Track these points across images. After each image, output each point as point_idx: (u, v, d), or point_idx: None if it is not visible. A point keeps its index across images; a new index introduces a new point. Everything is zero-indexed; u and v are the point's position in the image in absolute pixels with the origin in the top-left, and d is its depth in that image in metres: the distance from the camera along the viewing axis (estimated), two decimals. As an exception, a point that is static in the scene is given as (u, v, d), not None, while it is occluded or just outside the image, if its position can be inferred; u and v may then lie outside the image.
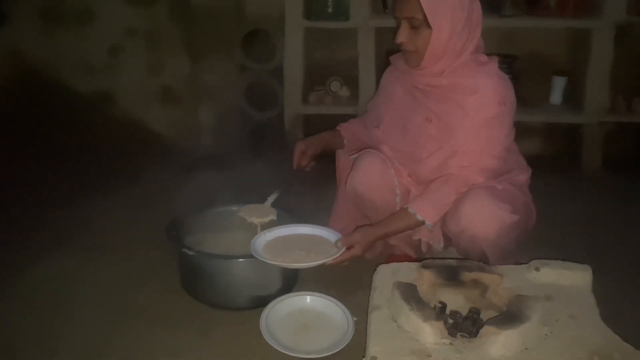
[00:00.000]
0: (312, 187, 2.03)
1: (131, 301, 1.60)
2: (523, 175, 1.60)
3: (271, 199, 1.70)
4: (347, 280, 1.62)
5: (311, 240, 1.52)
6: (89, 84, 3.04)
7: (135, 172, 2.53)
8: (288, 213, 1.69)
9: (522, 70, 2.53)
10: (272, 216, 1.67)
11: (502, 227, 1.40)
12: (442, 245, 1.61)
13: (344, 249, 1.42)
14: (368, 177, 1.58)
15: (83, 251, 1.87)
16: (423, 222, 1.48)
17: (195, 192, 2.15)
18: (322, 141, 1.73)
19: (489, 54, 1.53)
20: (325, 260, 1.39)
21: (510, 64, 2.49)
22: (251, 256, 1.41)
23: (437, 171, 1.52)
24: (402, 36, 1.45)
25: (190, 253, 1.48)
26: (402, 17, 1.43)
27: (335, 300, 1.47)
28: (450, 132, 1.49)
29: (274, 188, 1.72)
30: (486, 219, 1.40)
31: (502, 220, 1.40)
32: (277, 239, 1.53)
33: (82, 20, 2.93)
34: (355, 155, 1.66)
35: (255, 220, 1.63)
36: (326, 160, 1.78)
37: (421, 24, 1.41)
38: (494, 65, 1.51)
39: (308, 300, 1.49)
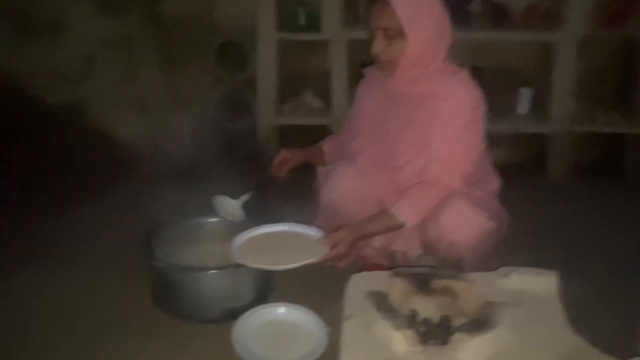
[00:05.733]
0: (285, 197, 2.02)
1: (102, 315, 1.57)
2: (494, 184, 1.65)
3: (244, 198, 1.66)
4: (320, 291, 1.62)
5: (292, 238, 1.50)
6: (61, 94, 2.97)
7: (108, 183, 2.49)
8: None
9: (490, 82, 2.58)
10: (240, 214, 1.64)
11: (481, 233, 1.44)
12: (420, 252, 1.63)
13: (328, 247, 1.42)
14: (342, 188, 1.59)
15: (53, 264, 1.83)
16: (404, 225, 1.50)
17: (169, 203, 2.14)
18: (305, 154, 1.76)
19: (457, 66, 1.58)
20: (310, 260, 1.37)
21: (478, 76, 2.53)
22: (223, 267, 1.40)
23: (416, 177, 1.54)
24: (378, 46, 1.48)
25: (160, 266, 1.47)
26: (378, 27, 1.46)
27: (309, 311, 1.47)
28: (427, 138, 1.52)
29: (248, 189, 1.69)
30: (466, 224, 1.43)
31: (481, 226, 1.44)
32: (257, 238, 1.50)
33: (54, 29, 2.89)
34: (331, 167, 1.67)
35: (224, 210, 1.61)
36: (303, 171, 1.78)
37: (396, 34, 1.44)
38: (465, 73, 1.56)
39: (281, 311, 1.48)
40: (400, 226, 1.51)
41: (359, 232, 1.48)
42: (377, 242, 1.66)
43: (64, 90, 2.97)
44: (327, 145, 1.82)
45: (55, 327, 1.51)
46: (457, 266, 1.50)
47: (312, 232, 1.51)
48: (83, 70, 2.94)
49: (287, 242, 1.48)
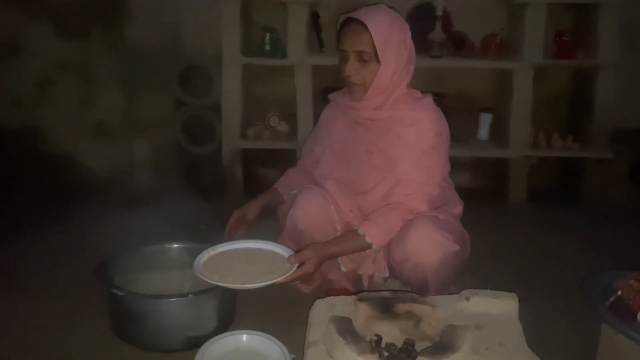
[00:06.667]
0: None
1: (58, 346, 1.51)
2: (458, 208, 1.68)
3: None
4: (285, 317, 1.60)
5: (259, 255, 1.46)
6: (16, 118, 2.90)
7: (66, 210, 2.42)
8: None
9: (450, 108, 2.66)
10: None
11: (445, 255, 1.46)
12: (387, 274, 1.63)
13: (296, 266, 1.39)
14: (308, 212, 1.59)
15: (5, 294, 1.75)
16: (371, 245, 1.50)
17: (129, 230, 2.08)
18: (260, 204, 1.72)
19: (421, 92, 1.62)
20: (278, 279, 1.34)
21: (439, 102, 2.60)
22: (184, 295, 1.37)
23: (382, 201, 1.56)
24: (351, 69, 1.51)
25: (120, 293, 1.42)
26: (352, 50, 1.49)
27: (272, 338, 1.44)
28: (392, 163, 1.54)
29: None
30: (431, 247, 1.45)
31: (445, 248, 1.46)
32: (222, 255, 1.45)
33: (10, 52, 2.82)
34: (296, 191, 1.67)
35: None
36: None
37: (370, 58, 1.48)
38: (429, 99, 1.60)
39: (244, 339, 1.44)
40: (368, 247, 1.52)
41: (326, 252, 1.48)
42: (344, 267, 1.66)
43: (19, 114, 2.90)
44: (282, 187, 1.80)
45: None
46: (421, 288, 1.51)
47: (279, 249, 1.48)
48: (40, 93, 2.87)
49: (253, 260, 1.44)
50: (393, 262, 1.56)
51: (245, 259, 1.44)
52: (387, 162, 1.56)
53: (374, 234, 1.50)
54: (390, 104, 1.55)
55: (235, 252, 1.48)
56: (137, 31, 2.83)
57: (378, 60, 1.48)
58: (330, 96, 1.74)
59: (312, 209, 1.59)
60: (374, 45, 1.46)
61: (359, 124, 1.62)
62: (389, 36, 1.47)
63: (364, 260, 1.65)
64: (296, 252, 1.45)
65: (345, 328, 1.13)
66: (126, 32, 2.84)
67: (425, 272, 1.48)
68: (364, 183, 1.60)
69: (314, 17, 2.77)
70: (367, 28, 1.46)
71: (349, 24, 1.51)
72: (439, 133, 1.56)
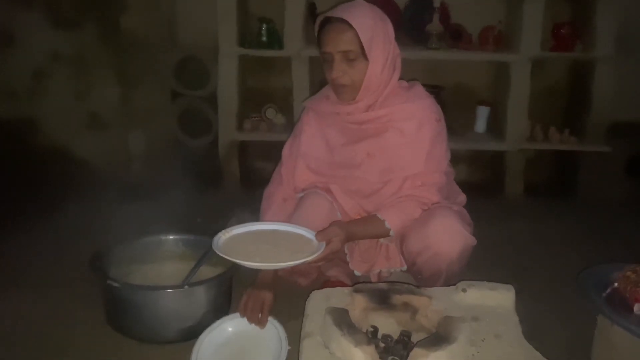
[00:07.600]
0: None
1: (53, 339, 1.50)
2: (462, 197, 1.68)
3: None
4: (281, 309, 1.59)
5: (278, 236, 1.38)
6: (10, 109, 2.87)
7: (60, 202, 2.40)
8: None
9: (448, 101, 2.66)
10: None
11: (465, 247, 1.44)
12: (405, 267, 1.60)
13: (323, 244, 1.32)
14: (313, 218, 1.51)
15: (1, 287, 1.73)
16: (389, 232, 1.48)
17: (124, 222, 2.07)
18: (272, 286, 1.49)
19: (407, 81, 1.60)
20: (309, 258, 1.26)
21: (437, 94, 2.60)
22: (179, 286, 1.36)
23: (391, 199, 1.53)
24: (338, 70, 1.45)
25: (116, 285, 1.42)
26: (337, 51, 1.44)
27: (272, 320, 1.40)
28: (397, 161, 1.51)
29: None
30: (453, 237, 1.43)
31: (466, 241, 1.45)
32: (239, 237, 1.37)
33: (3, 43, 2.80)
34: (302, 194, 1.61)
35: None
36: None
37: (357, 56, 1.43)
38: (419, 87, 1.57)
39: (242, 326, 1.42)
40: (386, 233, 1.49)
41: (349, 230, 1.42)
42: (357, 271, 1.64)
43: (13, 106, 2.87)
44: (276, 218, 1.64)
45: (3, 353, 1.43)
46: (432, 280, 1.49)
47: (295, 229, 1.41)
48: (35, 85, 2.85)
49: (274, 241, 1.36)
50: (407, 253, 1.53)
51: (265, 240, 1.36)
52: (393, 162, 1.52)
53: (393, 220, 1.47)
54: (383, 101, 1.51)
55: (252, 234, 1.40)
56: (132, 22, 2.81)
57: (365, 58, 1.43)
58: (309, 104, 1.66)
59: (317, 216, 1.51)
60: (359, 43, 1.41)
61: (355, 127, 1.56)
62: (373, 31, 1.43)
63: (377, 259, 1.62)
64: (321, 231, 1.37)
65: (342, 319, 1.13)
66: (121, 23, 2.82)
67: (441, 263, 1.44)
68: (370, 187, 1.55)
69: (311, 8, 2.76)
70: (350, 25, 1.40)
71: (329, 24, 1.45)
72: (438, 119, 1.53)
